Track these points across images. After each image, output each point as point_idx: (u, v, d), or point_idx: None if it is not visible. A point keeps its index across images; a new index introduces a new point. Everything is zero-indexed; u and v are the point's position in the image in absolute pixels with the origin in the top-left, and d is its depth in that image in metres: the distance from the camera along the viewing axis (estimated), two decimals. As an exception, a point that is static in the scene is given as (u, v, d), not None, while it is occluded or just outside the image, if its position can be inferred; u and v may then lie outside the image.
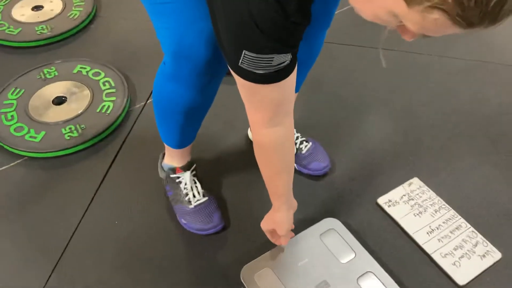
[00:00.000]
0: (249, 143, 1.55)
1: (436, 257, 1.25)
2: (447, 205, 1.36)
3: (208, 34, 0.91)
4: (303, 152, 1.43)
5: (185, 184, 1.32)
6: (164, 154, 1.37)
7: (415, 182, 1.43)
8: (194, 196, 1.31)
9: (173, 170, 1.33)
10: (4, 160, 1.51)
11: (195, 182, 1.34)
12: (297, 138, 1.44)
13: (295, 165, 1.45)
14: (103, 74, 1.75)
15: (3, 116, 1.60)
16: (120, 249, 1.29)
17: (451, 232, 1.30)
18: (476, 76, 1.81)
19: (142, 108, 1.68)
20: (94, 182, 1.45)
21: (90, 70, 1.77)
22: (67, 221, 1.35)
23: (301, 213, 1.35)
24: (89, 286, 1.21)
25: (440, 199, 1.38)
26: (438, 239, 1.29)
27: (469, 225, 1.32)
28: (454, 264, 1.23)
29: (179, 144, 1.27)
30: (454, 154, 1.52)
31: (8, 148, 1.52)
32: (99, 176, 1.46)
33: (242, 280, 1.17)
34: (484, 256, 1.25)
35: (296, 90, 1.33)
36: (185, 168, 1.33)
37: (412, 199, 1.38)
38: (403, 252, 1.27)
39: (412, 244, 1.29)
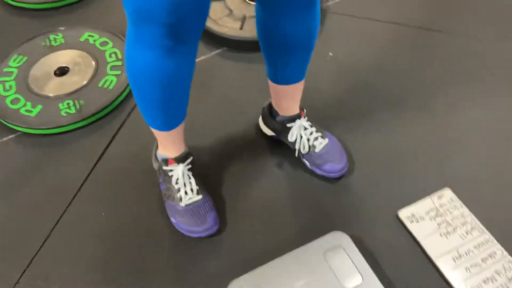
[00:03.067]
0: (259, 133, 1.38)
1: (460, 290, 1.05)
2: (482, 226, 1.15)
3: (172, 5, 0.81)
4: (317, 150, 1.24)
5: (177, 178, 1.17)
6: (158, 144, 1.23)
7: (447, 194, 1.22)
8: (186, 193, 1.17)
9: (166, 162, 1.18)
10: (-3, 134, 1.41)
11: (189, 177, 1.18)
12: (311, 133, 1.25)
13: (307, 163, 1.27)
14: (111, 44, 1.61)
15: (1, 86, 1.49)
16: (103, 246, 1.17)
17: (482, 260, 1.10)
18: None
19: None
20: (86, 166, 1.33)
21: (98, 38, 1.63)
22: (51, 208, 1.24)
23: (306, 220, 1.20)
24: (62, 283, 1.11)
25: (474, 217, 1.17)
26: (466, 268, 1.08)
27: (506, 253, 1.10)
28: (481, 300, 1.04)
29: (164, 125, 1.10)
30: (498, 165, 1.28)
31: (1, 121, 1.42)
32: (92, 160, 1.34)
33: (228, 298, 1.02)
34: (520, 293, 1.04)
35: (300, 78, 1.18)
36: (179, 160, 1.17)
37: (440, 216, 1.17)
38: (421, 281, 1.08)
39: (433, 271, 1.09)
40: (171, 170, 1.18)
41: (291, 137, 1.25)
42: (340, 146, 1.28)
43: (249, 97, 1.47)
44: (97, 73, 1.52)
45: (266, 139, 1.37)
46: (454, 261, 1.10)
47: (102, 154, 1.35)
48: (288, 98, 1.23)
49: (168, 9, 0.81)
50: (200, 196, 1.17)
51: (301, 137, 1.25)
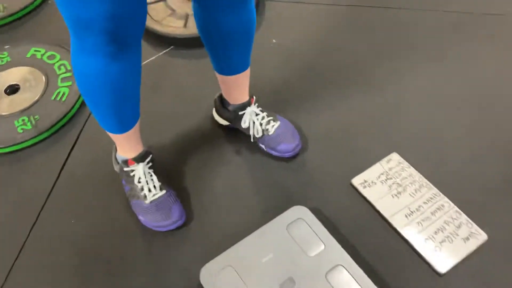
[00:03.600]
0: (214, 124, 1.43)
1: (415, 242, 1.14)
2: (429, 183, 1.25)
3: (108, 8, 0.83)
4: (271, 133, 1.31)
5: (139, 177, 1.21)
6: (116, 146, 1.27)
7: (394, 158, 1.31)
8: (150, 190, 1.21)
9: (126, 163, 1.22)
10: (-44, 159, 1.42)
11: (151, 175, 1.23)
12: (263, 118, 1.32)
13: (263, 146, 1.34)
14: (58, 57, 1.62)
15: (-48, 111, 1.49)
16: (77, 250, 1.21)
17: (432, 213, 1.19)
18: (467, 31, 1.64)
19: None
20: (50, 178, 1.35)
21: (45, 52, 1.64)
22: (21, 222, 1.27)
23: (268, 200, 1.26)
24: (41, 294, 1.14)
25: (421, 176, 1.26)
26: (418, 222, 1.18)
27: (452, 205, 1.20)
28: (434, 249, 1.13)
29: (118, 128, 1.13)
30: (438, 127, 1.38)
31: (-42, 146, 1.42)
32: (55, 171, 1.37)
33: (202, 282, 1.08)
34: (467, 238, 1.14)
35: (245, 67, 1.23)
36: (138, 160, 1.22)
37: (390, 178, 1.26)
38: (379, 239, 1.17)
39: (389, 229, 1.18)
40: (132, 170, 1.22)
41: (244, 124, 1.31)
42: (292, 126, 1.35)
43: (201, 92, 1.52)
44: (48, 86, 1.54)
45: (222, 129, 1.42)
46: (407, 217, 1.19)
47: (64, 164, 1.38)
48: (236, 88, 1.28)
49: (105, 16, 0.84)
50: (163, 191, 1.22)
51: (254, 122, 1.31)
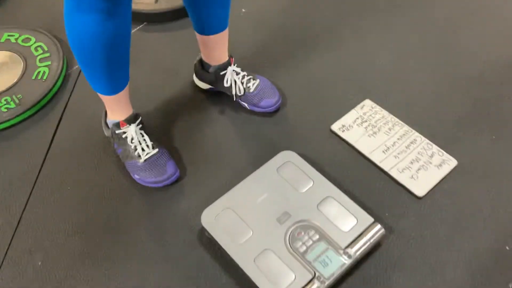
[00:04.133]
0: (195, 89, 1.50)
1: (393, 173, 1.25)
2: (400, 122, 1.36)
3: None
4: (252, 90, 1.39)
5: (132, 138, 1.27)
6: (106, 112, 1.31)
7: (367, 103, 1.42)
8: (143, 149, 1.27)
9: (117, 125, 1.27)
10: None
11: (143, 135, 1.29)
12: (244, 77, 1.40)
13: (246, 104, 1.41)
14: (33, 39, 1.65)
15: None
16: (76, 215, 1.25)
17: (406, 147, 1.30)
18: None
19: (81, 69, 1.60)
20: (40, 152, 1.38)
21: (19, 36, 1.66)
22: (15, 195, 1.29)
23: (256, 150, 1.34)
24: (47, 253, 1.18)
25: (393, 116, 1.37)
26: (395, 156, 1.29)
27: (424, 138, 1.32)
28: (412, 177, 1.24)
29: (111, 89, 1.19)
30: (404, 72, 1.50)
31: None
32: (45, 145, 1.40)
33: (203, 224, 1.15)
34: (440, 165, 1.26)
35: (225, 26, 1.30)
36: (129, 121, 1.27)
37: (366, 121, 1.37)
38: (361, 174, 1.27)
39: (369, 164, 1.29)
40: (124, 132, 1.27)
41: (226, 83, 1.39)
42: (270, 83, 1.43)
43: (178, 62, 1.59)
44: (27, 68, 1.57)
45: (203, 93, 1.49)
46: (384, 153, 1.30)
47: (53, 137, 1.42)
48: (216, 48, 1.35)
49: None
50: (156, 150, 1.28)
51: (235, 82, 1.39)
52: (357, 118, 1.38)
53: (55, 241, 1.20)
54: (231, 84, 1.39)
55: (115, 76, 1.17)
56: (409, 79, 1.48)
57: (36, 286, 1.13)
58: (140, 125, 1.29)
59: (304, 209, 1.15)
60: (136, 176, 1.28)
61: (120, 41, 1.09)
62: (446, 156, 1.27)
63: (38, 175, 1.33)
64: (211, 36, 1.30)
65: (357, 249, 1.09)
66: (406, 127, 1.34)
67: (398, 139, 1.32)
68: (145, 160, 1.26)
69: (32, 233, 1.22)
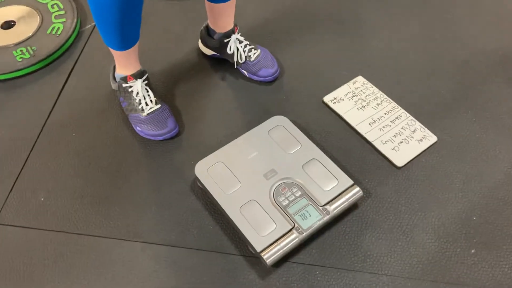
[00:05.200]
0: (200, 55, 1.59)
1: (377, 144, 1.34)
2: (389, 98, 1.45)
3: None
4: (252, 59, 1.47)
5: (137, 92, 1.36)
6: (114, 66, 1.40)
7: (359, 80, 1.50)
8: (147, 104, 1.36)
9: (125, 79, 1.36)
10: (-42, 85, 1.52)
11: (147, 91, 1.38)
12: (246, 46, 1.48)
13: (245, 72, 1.50)
14: (51, -3, 1.74)
15: (-49, 43, 1.59)
16: (79, 159, 1.35)
17: (391, 121, 1.39)
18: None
19: (93, 29, 1.69)
20: (50, 99, 1.48)
21: (38, -7, 1.75)
22: (24, 138, 1.39)
23: (251, 115, 1.43)
24: (50, 191, 1.28)
25: (382, 93, 1.46)
26: (379, 129, 1.38)
27: (408, 115, 1.41)
28: (393, 149, 1.33)
29: (122, 44, 1.27)
30: (396, 53, 1.59)
31: (-41, 72, 1.53)
32: (54, 94, 1.49)
33: (196, 174, 1.24)
34: (421, 140, 1.35)
35: None
36: (136, 76, 1.36)
37: (356, 95, 1.46)
38: (347, 142, 1.36)
39: (355, 134, 1.38)
40: (130, 86, 1.36)
41: (229, 50, 1.47)
42: (271, 54, 1.52)
43: (185, 28, 1.67)
44: (43, 23, 1.66)
45: (207, 59, 1.58)
46: (370, 125, 1.39)
47: (62, 89, 1.51)
48: (223, 15, 1.43)
49: None
50: (159, 105, 1.37)
51: (238, 49, 1.47)
52: (349, 92, 1.47)
53: (58, 181, 1.30)
54: (233, 52, 1.48)
55: (127, 32, 1.25)
56: (400, 60, 1.56)
57: (38, 220, 1.23)
58: (146, 81, 1.38)
59: (289, 168, 1.24)
60: (138, 128, 1.37)
61: (132, 3, 1.16)
62: (427, 132, 1.36)
63: (46, 121, 1.43)
64: (219, 4, 1.38)
65: (335, 207, 1.18)
66: (394, 104, 1.43)
67: (385, 114, 1.41)
68: (147, 114, 1.35)
69: (36, 174, 1.32)
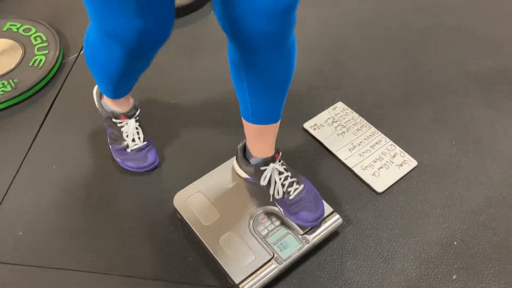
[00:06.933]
0: (190, 88, 1.60)
1: (357, 170, 1.34)
2: (368, 124, 1.45)
3: (141, 29, 0.85)
4: (291, 197, 1.18)
5: (127, 131, 1.34)
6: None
7: (339, 105, 1.51)
8: (133, 140, 1.35)
9: (116, 116, 1.32)
10: None
11: (137, 129, 1.35)
12: (286, 178, 1.19)
13: (282, 210, 1.22)
14: (34, 30, 1.75)
15: None
16: (59, 191, 1.34)
17: (371, 147, 1.39)
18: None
19: (76, 59, 1.70)
20: (31, 132, 1.48)
21: (21, 26, 1.77)
22: (4, 171, 1.39)
23: (232, 143, 1.42)
24: (28, 225, 1.27)
25: (362, 118, 1.47)
26: (360, 154, 1.38)
27: (388, 140, 1.41)
28: (373, 174, 1.33)
29: (115, 96, 1.25)
30: (376, 79, 1.60)
31: None
32: (36, 126, 1.50)
33: (175, 205, 1.24)
34: (401, 165, 1.35)
35: (275, 119, 1.14)
36: (129, 116, 1.33)
37: (336, 121, 1.46)
38: (327, 169, 1.36)
39: (335, 160, 1.38)
40: (120, 123, 1.34)
41: (263, 181, 1.19)
42: (316, 190, 1.21)
43: (175, 62, 1.68)
44: (26, 55, 1.67)
45: (198, 95, 1.59)
46: (350, 151, 1.39)
47: (43, 121, 1.51)
48: (263, 139, 1.18)
49: (136, 35, 0.85)
50: (146, 142, 1.37)
51: (275, 182, 1.19)
52: (329, 119, 1.47)
53: (37, 215, 1.29)
54: (269, 183, 1.20)
55: (124, 89, 1.23)
56: (380, 86, 1.57)
57: (14, 255, 1.22)
58: (137, 117, 1.35)
59: (269, 197, 1.24)
60: (118, 159, 1.37)
61: (135, 73, 1.11)
62: (407, 157, 1.36)
63: (27, 153, 1.43)
64: (257, 126, 1.13)
65: (315, 235, 1.17)
66: (373, 129, 1.44)
67: (365, 139, 1.41)
68: (131, 150, 1.35)
69: (15, 206, 1.31)
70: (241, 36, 0.88)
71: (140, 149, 1.35)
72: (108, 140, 1.40)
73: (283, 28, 0.88)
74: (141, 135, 1.35)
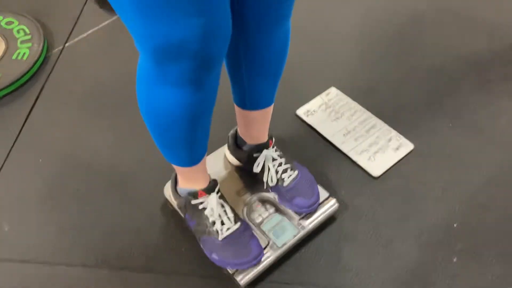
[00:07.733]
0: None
1: (352, 154, 1.31)
2: (363, 108, 1.42)
3: (204, 28, 0.73)
4: (286, 184, 1.16)
5: (212, 210, 1.07)
6: (176, 176, 1.14)
7: (333, 91, 1.48)
8: (223, 223, 1.07)
9: (194, 195, 1.07)
10: None
11: (223, 206, 1.09)
12: (280, 164, 1.17)
13: (277, 197, 1.19)
14: (16, 22, 1.71)
15: None
16: (45, 185, 1.30)
17: (366, 131, 1.36)
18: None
19: (61, 52, 1.66)
20: (16, 126, 1.44)
21: (3, 19, 1.72)
22: (-11, 165, 1.35)
23: (224, 131, 1.39)
24: (14, 220, 1.22)
25: (356, 104, 1.43)
26: (354, 139, 1.34)
27: (383, 124, 1.38)
28: (369, 159, 1.30)
29: (190, 160, 1.02)
30: (369, 63, 1.57)
31: None
32: (21, 120, 1.45)
33: (166, 196, 1.20)
34: (397, 149, 1.32)
35: (271, 102, 1.12)
36: (209, 190, 1.07)
37: (330, 107, 1.43)
38: (322, 155, 1.33)
39: (330, 146, 1.34)
40: (201, 203, 1.07)
41: (256, 168, 1.16)
42: (312, 177, 1.19)
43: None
44: (9, 48, 1.62)
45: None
46: (345, 136, 1.35)
47: (29, 114, 1.47)
48: (257, 125, 1.14)
49: (199, 34, 0.73)
50: (238, 224, 1.08)
51: (269, 168, 1.16)
52: (322, 104, 1.44)
53: (23, 210, 1.25)
54: (262, 170, 1.17)
55: (195, 147, 1.00)
56: (373, 69, 1.55)
57: (1, 251, 1.17)
58: (220, 192, 1.10)
59: (262, 183, 1.20)
60: (214, 257, 1.06)
61: (204, 113, 0.92)
62: (404, 140, 1.33)
63: (11, 147, 1.38)
64: (252, 112, 1.10)
65: (311, 221, 1.14)
66: (368, 113, 1.40)
67: (359, 124, 1.38)
68: (225, 237, 1.06)
69: (1, 200, 1.27)
70: (244, 13, 0.87)
71: (236, 235, 1.06)
72: (196, 237, 1.11)
73: (285, 4, 0.89)
74: (230, 214, 1.08)
